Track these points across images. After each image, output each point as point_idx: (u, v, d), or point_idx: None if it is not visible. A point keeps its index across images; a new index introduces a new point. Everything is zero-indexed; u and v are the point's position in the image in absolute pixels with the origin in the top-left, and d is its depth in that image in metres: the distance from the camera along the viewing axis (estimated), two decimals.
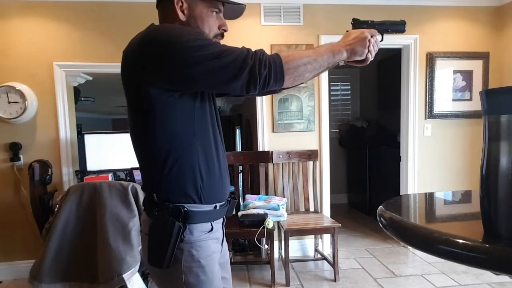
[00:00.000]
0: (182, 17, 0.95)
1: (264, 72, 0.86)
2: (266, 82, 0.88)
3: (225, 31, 1.01)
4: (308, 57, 0.91)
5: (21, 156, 2.64)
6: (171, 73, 0.85)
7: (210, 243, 0.98)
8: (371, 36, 0.97)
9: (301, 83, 0.99)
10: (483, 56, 3.08)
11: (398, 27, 1.06)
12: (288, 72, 0.89)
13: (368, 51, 0.97)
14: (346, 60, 0.98)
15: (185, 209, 0.92)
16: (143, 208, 1.00)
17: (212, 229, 0.98)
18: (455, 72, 3.06)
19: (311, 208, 2.93)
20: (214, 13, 0.97)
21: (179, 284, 0.92)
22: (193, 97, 0.93)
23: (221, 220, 1.05)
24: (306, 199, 2.92)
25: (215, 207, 0.99)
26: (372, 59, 1.00)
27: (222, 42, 0.97)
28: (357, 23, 1.00)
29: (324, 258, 2.88)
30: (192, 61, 0.84)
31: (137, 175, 2.71)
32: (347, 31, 1.00)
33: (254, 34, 2.82)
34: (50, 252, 1.82)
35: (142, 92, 0.90)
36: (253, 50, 0.89)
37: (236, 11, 1.05)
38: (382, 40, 1.04)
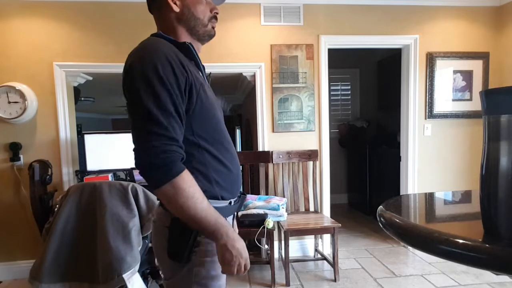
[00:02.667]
0: (176, 8, 0.98)
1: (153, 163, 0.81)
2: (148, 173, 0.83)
3: (217, 13, 1.06)
4: (195, 207, 0.84)
5: (21, 156, 2.64)
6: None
7: None
8: (244, 264, 0.88)
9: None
10: (483, 56, 3.08)
11: None
12: (170, 191, 0.82)
13: (230, 264, 0.87)
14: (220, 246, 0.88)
15: None
16: (159, 202, 1.01)
17: None
18: (455, 72, 3.06)
19: (311, 208, 2.94)
20: None
21: (190, 275, 0.94)
22: (200, 100, 0.92)
23: (232, 216, 1.07)
24: (306, 199, 2.92)
25: (230, 203, 1.01)
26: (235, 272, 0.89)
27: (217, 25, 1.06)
28: None
29: (324, 258, 2.88)
30: (135, 95, 0.84)
31: (137, 175, 2.70)
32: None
33: (254, 34, 2.82)
34: (50, 252, 1.82)
35: None
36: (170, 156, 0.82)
37: None
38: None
